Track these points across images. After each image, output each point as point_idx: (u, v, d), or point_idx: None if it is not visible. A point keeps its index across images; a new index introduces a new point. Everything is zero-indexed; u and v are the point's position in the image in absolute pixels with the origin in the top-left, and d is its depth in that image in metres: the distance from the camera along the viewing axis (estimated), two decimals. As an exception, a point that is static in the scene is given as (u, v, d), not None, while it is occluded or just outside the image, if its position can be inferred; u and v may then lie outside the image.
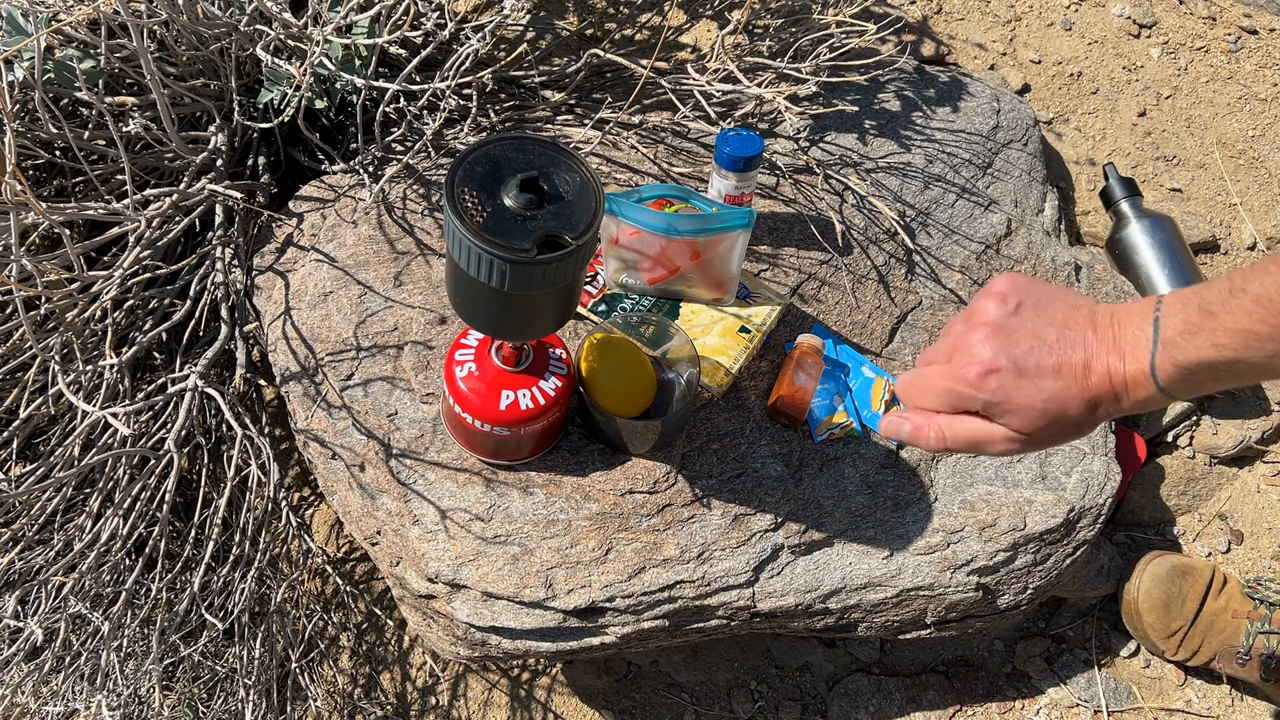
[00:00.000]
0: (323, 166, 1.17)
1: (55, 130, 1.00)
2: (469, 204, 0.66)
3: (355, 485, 0.97)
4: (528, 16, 1.38)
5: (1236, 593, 1.19)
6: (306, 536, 1.16)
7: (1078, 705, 1.24)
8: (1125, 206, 1.39)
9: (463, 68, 1.04)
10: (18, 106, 1.02)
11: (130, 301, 1.11)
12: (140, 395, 1.07)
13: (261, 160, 1.18)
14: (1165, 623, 1.19)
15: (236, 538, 1.10)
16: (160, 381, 1.07)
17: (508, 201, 0.67)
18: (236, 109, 1.11)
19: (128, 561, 1.07)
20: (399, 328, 1.03)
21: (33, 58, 0.91)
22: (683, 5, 1.46)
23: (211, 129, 1.13)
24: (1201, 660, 1.19)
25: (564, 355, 0.91)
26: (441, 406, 0.98)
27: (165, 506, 0.99)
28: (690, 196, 1.01)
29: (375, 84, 1.02)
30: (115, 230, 1.01)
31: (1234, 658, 1.17)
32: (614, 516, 0.96)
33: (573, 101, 1.26)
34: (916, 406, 0.60)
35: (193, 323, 1.11)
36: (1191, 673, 1.26)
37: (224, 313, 1.08)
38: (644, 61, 1.13)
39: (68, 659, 1.08)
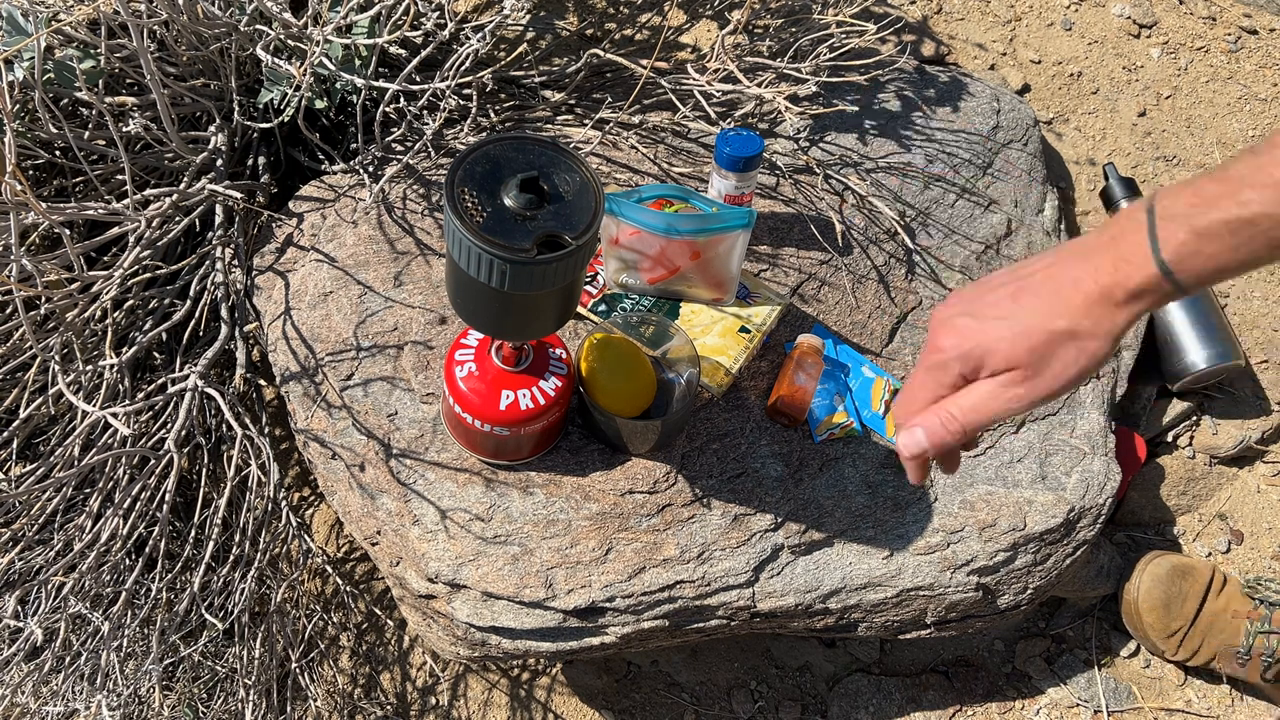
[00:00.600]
0: (323, 166, 1.17)
1: (55, 130, 1.00)
2: (469, 204, 0.66)
3: (355, 485, 0.97)
4: (528, 16, 1.38)
5: (1236, 593, 1.19)
6: (306, 536, 1.16)
7: (1078, 705, 1.24)
8: (1125, 206, 1.38)
9: (463, 68, 1.04)
10: (18, 106, 1.02)
11: (130, 301, 1.11)
12: (140, 395, 1.07)
13: (261, 160, 1.18)
14: (1165, 623, 1.19)
15: (236, 538, 1.10)
16: (160, 381, 1.07)
17: (508, 201, 0.67)
18: (236, 109, 1.11)
19: (128, 561, 1.07)
20: (399, 328, 1.03)
21: (33, 58, 0.91)
22: (683, 5, 1.46)
23: (211, 129, 1.13)
24: (1201, 660, 1.20)
25: (564, 355, 0.91)
26: (441, 406, 0.98)
27: (165, 506, 0.99)
28: (690, 196, 1.01)
29: (375, 84, 1.02)
30: (115, 230, 1.01)
31: (1234, 658, 1.17)
32: (614, 516, 0.96)
33: (573, 101, 1.26)
34: (912, 413, 0.57)
35: (193, 323, 1.11)
36: (1191, 672, 1.26)
37: (224, 313, 1.08)
38: (644, 61, 1.13)
39: (68, 659, 1.08)
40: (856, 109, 1.22)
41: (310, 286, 1.06)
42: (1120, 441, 1.25)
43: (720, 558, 0.96)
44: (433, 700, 1.26)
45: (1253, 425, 1.35)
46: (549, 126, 1.21)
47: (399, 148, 1.17)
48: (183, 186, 1.07)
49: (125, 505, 1.01)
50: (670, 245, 0.97)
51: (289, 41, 1.07)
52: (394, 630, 1.29)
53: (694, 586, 0.95)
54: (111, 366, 0.99)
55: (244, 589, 1.09)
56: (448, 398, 0.90)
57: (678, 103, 1.16)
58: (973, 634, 1.27)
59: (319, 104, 1.10)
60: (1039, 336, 0.50)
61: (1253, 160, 0.44)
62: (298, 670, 1.21)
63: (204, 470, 1.13)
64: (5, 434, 1.03)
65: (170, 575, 1.08)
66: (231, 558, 1.10)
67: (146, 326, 1.09)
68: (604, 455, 0.98)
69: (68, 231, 0.91)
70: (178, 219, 1.09)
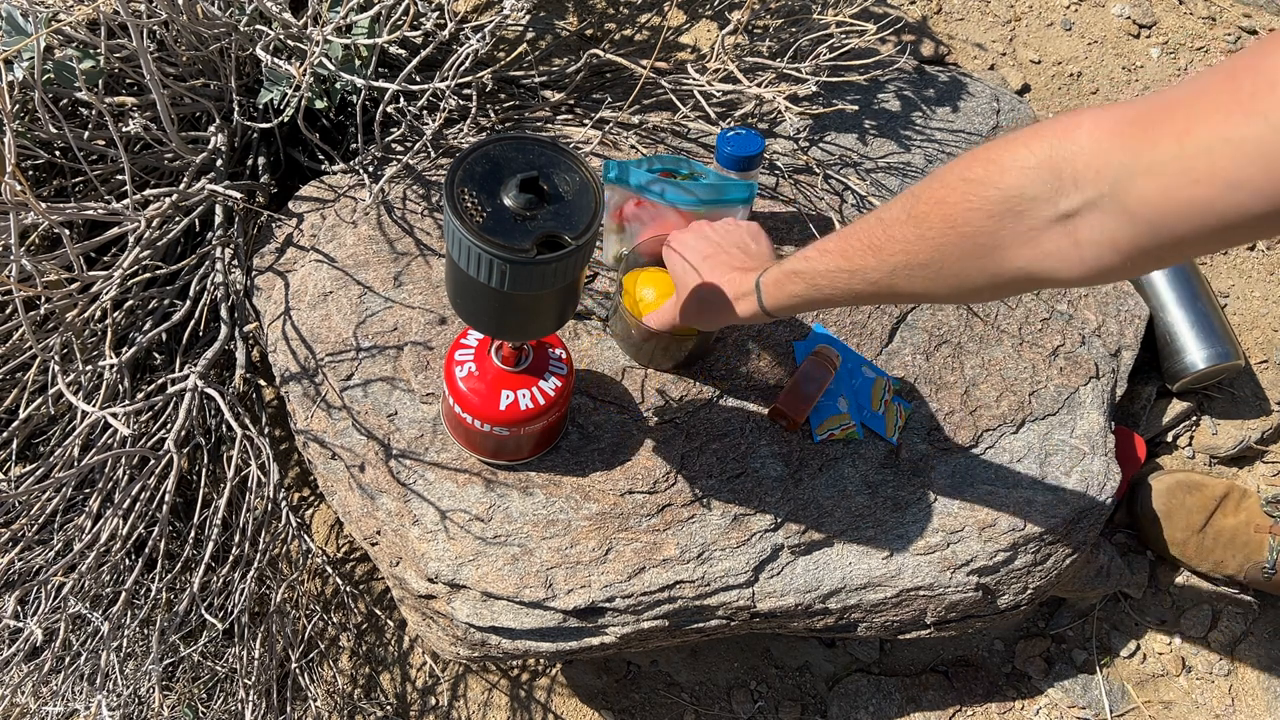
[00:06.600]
0: (323, 166, 1.17)
1: (55, 130, 1.00)
2: (469, 204, 0.66)
3: (355, 485, 0.97)
4: (528, 16, 1.38)
5: (1256, 509, 1.24)
6: (306, 536, 1.16)
7: (1078, 705, 1.24)
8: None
9: (463, 68, 1.04)
10: (18, 106, 1.02)
11: (130, 301, 1.11)
12: (140, 395, 1.07)
13: (261, 160, 1.18)
14: (1170, 533, 1.25)
15: (236, 538, 1.10)
16: (160, 381, 1.07)
17: (508, 201, 0.66)
18: (236, 109, 1.11)
19: (128, 561, 1.07)
20: (399, 328, 1.03)
21: (33, 58, 0.91)
22: (683, 5, 1.46)
23: (211, 129, 1.13)
24: (1228, 571, 1.24)
25: (564, 355, 0.91)
26: (441, 406, 0.98)
27: (165, 507, 0.99)
28: (690, 167, 1.02)
29: (375, 84, 1.02)
30: (115, 230, 1.01)
31: (1260, 572, 1.22)
32: (614, 516, 0.96)
33: (573, 101, 1.26)
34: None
35: (193, 323, 1.11)
36: (1218, 582, 1.30)
37: (224, 313, 1.08)
38: (644, 61, 1.13)
39: (68, 659, 1.08)
40: (856, 109, 1.21)
41: (310, 287, 1.06)
42: (1120, 441, 1.25)
43: (720, 558, 0.96)
44: (433, 700, 1.26)
45: (1253, 425, 1.35)
46: (549, 126, 1.21)
47: (399, 148, 1.17)
48: (183, 186, 1.07)
49: (125, 505, 1.01)
50: (672, 216, 0.98)
51: (289, 41, 1.07)
52: (394, 630, 1.29)
53: (694, 586, 0.95)
54: (111, 366, 0.99)
55: (244, 589, 1.09)
56: (448, 398, 0.90)
57: (678, 103, 1.16)
58: (973, 634, 1.27)
59: (319, 104, 1.10)
60: (696, 295, 0.82)
61: (805, 260, 0.70)
62: (298, 670, 1.21)
63: (204, 470, 1.13)
64: (5, 434, 1.03)
65: (170, 575, 1.08)
66: (231, 558, 1.10)
67: (146, 326, 1.09)
68: (604, 455, 0.98)
69: (67, 231, 0.91)
70: (178, 219, 1.09)
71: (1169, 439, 1.36)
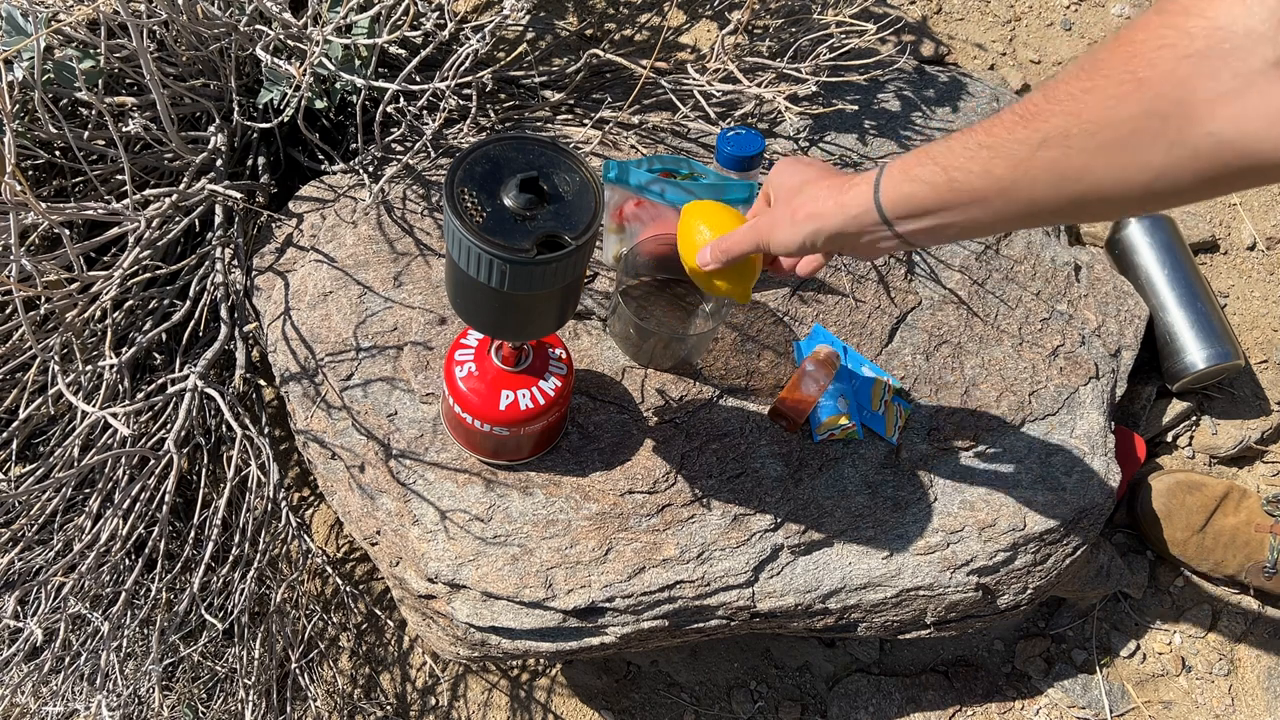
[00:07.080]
0: (322, 166, 1.17)
1: (55, 130, 1.00)
2: (469, 204, 0.66)
3: (355, 485, 0.97)
4: (528, 16, 1.38)
5: (1257, 508, 1.24)
6: (306, 537, 1.16)
7: (1078, 705, 1.24)
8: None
9: (463, 68, 1.04)
10: (18, 106, 1.02)
11: (130, 301, 1.11)
12: (140, 395, 1.07)
13: (261, 160, 1.18)
14: (1170, 534, 1.24)
15: (236, 538, 1.10)
16: (160, 382, 1.07)
17: (508, 201, 0.66)
18: (236, 109, 1.11)
19: (127, 562, 1.07)
20: (399, 328, 1.03)
21: (33, 58, 0.91)
22: (683, 5, 1.46)
23: (211, 129, 1.13)
24: (1228, 572, 1.25)
25: (564, 355, 0.91)
26: (441, 406, 0.98)
27: (165, 507, 0.99)
28: (691, 166, 1.01)
29: (375, 84, 1.02)
30: (115, 230, 1.01)
31: (1260, 572, 1.22)
32: (614, 516, 0.96)
33: (572, 101, 1.26)
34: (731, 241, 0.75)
35: (192, 323, 1.11)
36: (1218, 582, 1.31)
37: (224, 313, 1.08)
38: (644, 61, 1.13)
39: (68, 659, 1.08)
40: (856, 109, 1.21)
41: (310, 287, 1.06)
42: (1120, 441, 1.25)
43: (720, 558, 0.96)
44: (433, 701, 1.26)
45: (1252, 425, 1.35)
46: (549, 126, 1.21)
47: (399, 148, 1.17)
48: (183, 186, 1.07)
49: (125, 505, 1.01)
50: (671, 216, 0.97)
51: (289, 41, 1.07)
52: (394, 631, 1.29)
53: (694, 586, 0.95)
54: (111, 366, 0.99)
55: (244, 589, 1.09)
56: (447, 398, 0.90)
57: (678, 103, 1.16)
58: (972, 634, 1.27)
59: (319, 104, 1.10)
60: (795, 194, 0.70)
61: (944, 140, 0.59)
62: (297, 670, 1.21)
63: (204, 471, 1.13)
64: (5, 434, 1.03)
65: (170, 575, 1.08)
66: (231, 558, 1.10)
67: (146, 326, 1.09)
68: (604, 455, 0.98)
69: (67, 231, 0.91)
70: (177, 219, 1.09)
71: (1169, 439, 1.36)
